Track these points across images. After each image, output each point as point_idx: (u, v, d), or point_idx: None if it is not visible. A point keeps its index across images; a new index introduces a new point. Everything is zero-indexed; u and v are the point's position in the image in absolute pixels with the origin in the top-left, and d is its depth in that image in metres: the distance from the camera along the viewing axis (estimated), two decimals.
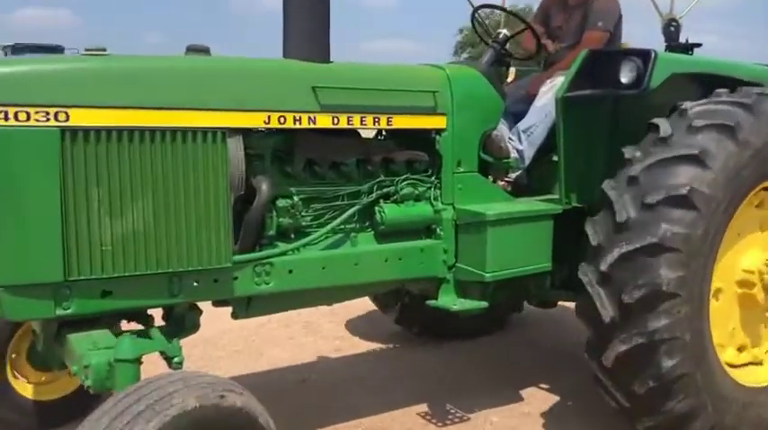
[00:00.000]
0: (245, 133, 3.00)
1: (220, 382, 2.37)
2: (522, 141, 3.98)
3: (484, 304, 3.52)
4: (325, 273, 3.18)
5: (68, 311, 2.62)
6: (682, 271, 3.11)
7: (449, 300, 3.50)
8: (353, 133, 3.32)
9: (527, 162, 4.00)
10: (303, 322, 5.57)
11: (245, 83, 2.92)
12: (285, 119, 3.00)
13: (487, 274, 3.39)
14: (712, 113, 3.34)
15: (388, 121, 3.32)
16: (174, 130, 2.70)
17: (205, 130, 2.77)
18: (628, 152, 3.38)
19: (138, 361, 2.57)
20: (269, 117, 2.96)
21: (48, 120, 2.48)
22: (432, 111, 3.44)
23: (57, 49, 19.13)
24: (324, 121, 3.11)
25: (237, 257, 2.95)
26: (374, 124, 3.28)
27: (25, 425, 3.49)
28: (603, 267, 3.20)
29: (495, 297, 3.68)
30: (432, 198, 3.54)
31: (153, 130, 2.66)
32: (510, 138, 3.99)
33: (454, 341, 5.13)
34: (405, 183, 3.47)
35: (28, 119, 2.45)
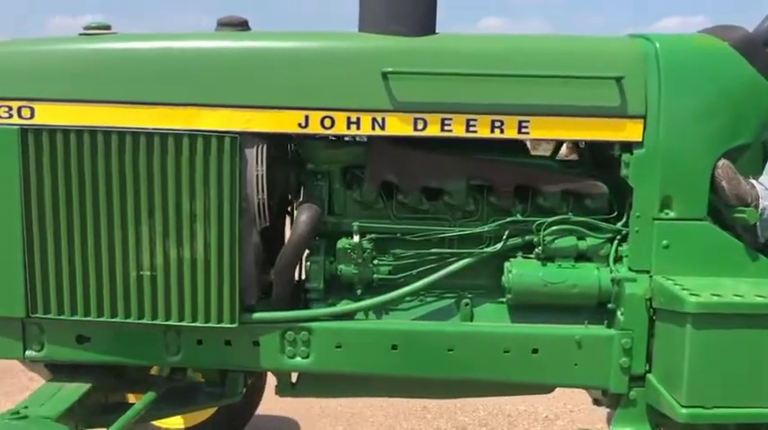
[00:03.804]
0: (299, 142, 2.14)
1: None
2: None
3: None
4: (396, 358, 2.08)
5: (41, 354, 2.15)
6: None
7: None
8: (476, 143, 2.11)
9: None
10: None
11: (273, 69, 2.02)
12: (333, 121, 2.01)
13: (683, 410, 1.85)
14: None
15: (521, 128, 2.03)
16: (164, 134, 1.98)
17: (208, 135, 1.98)
18: None
19: None
20: (306, 118, 2.01)
21: (10, 116, 2.01)
22: (615, 113, 2.03)
23: None
24: (399, 126, 2.02)
25: (259, 316, 2.09)
26: (492, 132, 2.03)
27: None
28: None
29: None
30: (610, 258, 2.12)
31: (136, 133, 1.98)
32: None
33: None
34: (559, 228, 2.13)
35: None
